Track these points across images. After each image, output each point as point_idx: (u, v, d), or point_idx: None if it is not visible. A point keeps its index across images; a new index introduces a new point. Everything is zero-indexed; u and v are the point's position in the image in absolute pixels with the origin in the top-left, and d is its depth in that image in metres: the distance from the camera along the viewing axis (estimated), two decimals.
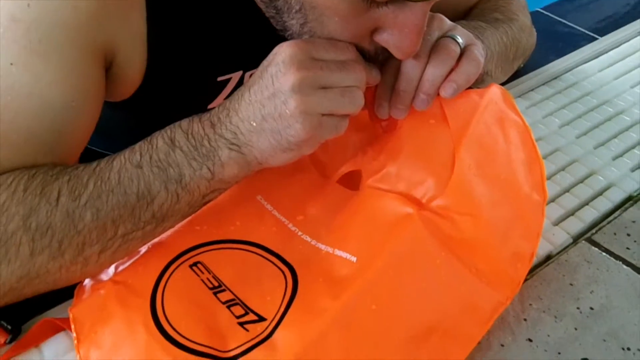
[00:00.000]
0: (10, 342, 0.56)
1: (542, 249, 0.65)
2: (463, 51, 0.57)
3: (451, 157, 0.55)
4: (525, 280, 0.61)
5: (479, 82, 0.70)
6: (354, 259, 0.53)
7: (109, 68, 0.60)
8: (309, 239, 0.57)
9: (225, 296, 0.53)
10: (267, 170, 0.56)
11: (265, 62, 0.53)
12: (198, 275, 0.54)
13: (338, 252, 0.54)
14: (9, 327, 0.56)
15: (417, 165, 0.56)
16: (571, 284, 0.61)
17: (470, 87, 0.59)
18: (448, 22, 0.58)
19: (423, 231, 0.53)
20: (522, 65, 0.90)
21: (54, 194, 0.52)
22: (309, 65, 0.51)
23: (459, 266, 0.53)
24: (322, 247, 0.55)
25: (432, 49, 0.56)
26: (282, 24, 0.54)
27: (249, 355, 0.49)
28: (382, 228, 0.54)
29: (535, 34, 0.85)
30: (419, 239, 0.53)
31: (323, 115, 0.51)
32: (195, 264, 0.55)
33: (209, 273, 0.54)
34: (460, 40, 0.56)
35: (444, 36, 0.56)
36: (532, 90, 0.89)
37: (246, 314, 0.51)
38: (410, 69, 0.56)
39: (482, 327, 0.53)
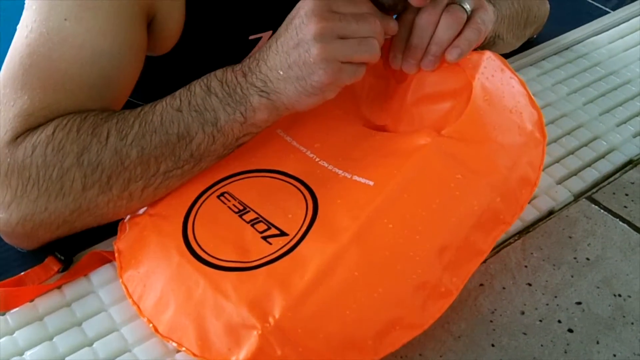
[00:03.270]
0: (62, 271, 0.62)
1: (545, 204, 0.70)
2: (469, 17, 0.63)
3: (468, 89, 0.61)
4: (528, 232, 0.67)
5: (491, 45, 0.76)
6: (371, 183, 0.58)
7: (150, 23, 0.65)
8: (326, 164, 0.62)
9: (249, 216, 0.59)
10: None
11: (289, 16, 0.59)
12: (225, 203, 0.61)
13: (356, 178, 0.60)
14: (62, 257, 0.62)
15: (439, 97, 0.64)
16: (570, 237, 0.67)
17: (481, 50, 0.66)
18: None
19: (437, 154, 0.58)
20: (535, 36, 0.95)
21: (103, 134, 0.58)
22: (328, 16, 0.56)
23: (478, 181, 0.58)
24: (340, 172, 0.61)
25: (442, 14, 0.62)
26: None
27: (274, 264, 0.54)
28: (400, 157, 0.60)
29: (547, 4, 0.90)
30: (432, 161, 0.59)
31: (342, 62, 0.57)
32: (222, 194, 0.61)
33: (235, 200, 0.61)
34: (467, 7, 0.62)
35: (453, 1, 0.62)
36: (543, 59, 0.93)
37: (269, 229, 0.57)
38: (422, 26, 0.62)
39: (490, 243, 0.58)
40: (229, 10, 0.70)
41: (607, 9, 1.06)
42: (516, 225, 0.68)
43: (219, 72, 0.60)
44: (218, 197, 0.62)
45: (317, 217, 0.57)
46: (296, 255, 0.55)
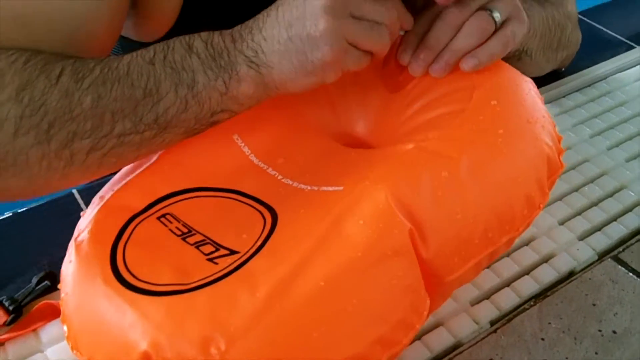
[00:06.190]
0: (10, 323, 0.54)
1: (565, 264, 0.62)
2: (498, 27, 0.55)
3: (470, 94, 0.54)
4: (546, 296, 0.59)
5: (515, 61, 0.68)
6: (340, 188, 0.50)
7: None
8: (290, 182, 0.53)
9: (194, 239, 0.49)
10: None
11: None
12: (166, 226, 0.51)
13: (324, 188, 0.51)
14: (11, 307, 0.55)
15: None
16: (594, 304, 0.58)
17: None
18: None
19: (421, 153, 0.50)
20: (563, 69, 0.87)
21: (55, 71, 0.48)
22: None
23: (467, 184, 0.49)
24: (306, 187, 0.52)
25: (468, 19, 0.55)
26: None
27: (218, 284, 0.44)
28: (376, 160, 0.51)
29: (580, 33, 0.83)
30: (415, 159, 0.50)
31: (349, 43, 0.50)
32: (164, 215, 0.51)
33: (178, 222, 0.51)
34: (497, 17, 0.55)
35: (484, 7, 0.55)
36: (564, 96, 0.85)
37: (216, 250, 0.48)
38: (442, 27, 0.55)
39: (462, 265, 0.49)
40: None
41: (633, 44, 0.98)
42: (532, 288, 0.60)
43: (203, 34, 0.52)
44: (158, 218, 0.51)
45: (275, 230, 0.48)
46: (245, 272, 0.45)
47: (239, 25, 0.52)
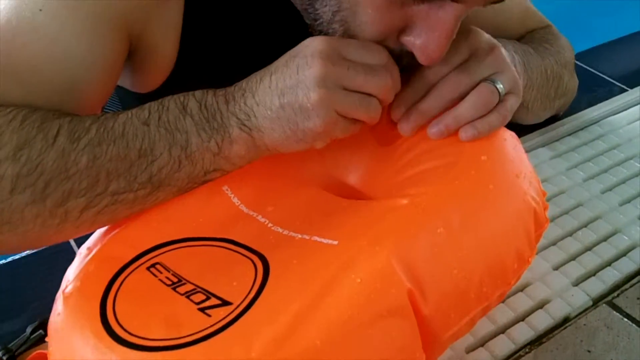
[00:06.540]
0: None
1: (560, 310, 0.62)
2: (500, 99, 0.56)
3: (460, 148, 0.54)
4: (540, 342, 0.59)
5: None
6: (335, 242, 0.49)
7: (135, 51, 0.60)
8: (280, 230, 0.53)
9: (185, 288, 0.49)
10: None
11: (292, 52, 0.52)
12: (156, 276, 0.50)
13: (316, 238, 0.50)
14: (5, 357, 0.55)
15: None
16: (589, 351, 0.58)
17: None
18: (502, 59, 0.56)
19: (415, 210, 0.50)
20: (561, 113, 0.88)
21: (52, 131, 0.50)
22: (336, 62, 0.50)
23: (463, 239, 0.49)
24: (297, 235, 0.52)
25: (474, 89, 0.55)
26: (314, 13, 0.54)
27: (213, 339, 0.44)
28: (370, 217, 0.51)
29: (576, 78, 0.85)
30: (410, 216, 0.50)
31: (339, 114, 0.51)
32: (153, 265, 0.51)
33: (168, 272, 0.51)
34: (501, 89, 0.55)
35: (489, 79, 0.55)
36: (557, 140, 0.86)
37: (207, 299, 0.47)
38: (438, 96, 0.55)
39: (457, 322, 0.50)
40: (226, 52, 0.64)
41: (625, 87, 0.99)
42: (527, 334, 0.60)
43: (197, 93, 0.53)
44: (148, 268, 0.51)
45: (268, 281, 0.48)
46: (241, 327, 0.44)
47: (232, 86, 0.53)
